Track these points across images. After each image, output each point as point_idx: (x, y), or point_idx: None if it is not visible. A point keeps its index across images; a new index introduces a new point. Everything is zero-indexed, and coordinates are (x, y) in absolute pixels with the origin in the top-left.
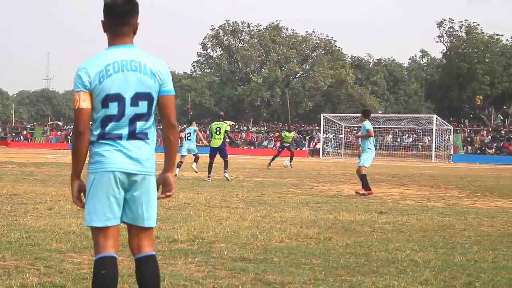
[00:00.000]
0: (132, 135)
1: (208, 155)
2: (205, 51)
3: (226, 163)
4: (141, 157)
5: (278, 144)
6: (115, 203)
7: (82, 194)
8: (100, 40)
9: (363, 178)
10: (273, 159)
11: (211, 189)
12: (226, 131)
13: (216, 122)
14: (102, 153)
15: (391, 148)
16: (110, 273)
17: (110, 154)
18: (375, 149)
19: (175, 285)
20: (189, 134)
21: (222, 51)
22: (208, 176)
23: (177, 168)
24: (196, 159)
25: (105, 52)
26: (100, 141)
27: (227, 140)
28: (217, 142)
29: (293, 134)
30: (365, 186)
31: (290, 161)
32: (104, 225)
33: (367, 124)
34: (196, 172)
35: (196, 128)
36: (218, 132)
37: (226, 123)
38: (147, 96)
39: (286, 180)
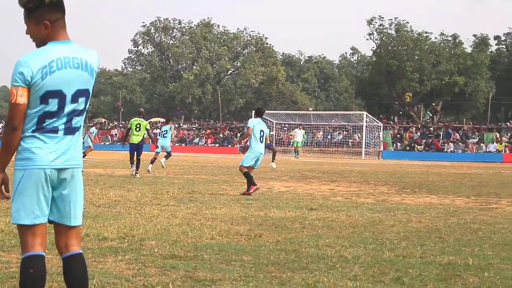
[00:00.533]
0: (68, 131)
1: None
2: (136, 48)
3: (138, 162)
4: (72, 153)
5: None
6: (44, 200)
7: (3, 187)
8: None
9: (245, 175)
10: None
11: (142, 187)
12: (146, 129)
13: (135, 119)
14: (33, 149)
15: (322, 145)
16: (38, 272)
17: (41, 151)
18: (301, 144)
19: (105, 283)
20: (165, 132)
21: (153, 48)
22: (134, 171)
23: (150, 164)
24: (167, 156)
25: (47, 47)
26: (33, 137)
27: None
28: (137, 138)
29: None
30: (248, 182)
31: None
32: (32, 223)
33: (249, 122)
34: (162, 166)
35: (172, 126)
36: (138, 129)
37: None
38: (86, 93)
39: (217, 177)
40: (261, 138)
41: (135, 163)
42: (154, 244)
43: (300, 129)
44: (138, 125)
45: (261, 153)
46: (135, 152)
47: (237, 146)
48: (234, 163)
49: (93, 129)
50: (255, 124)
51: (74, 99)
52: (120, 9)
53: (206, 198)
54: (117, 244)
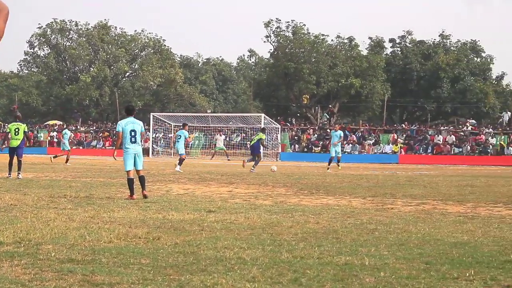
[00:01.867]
0: None
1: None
2: (32, 50)
3: (20, 163)
4: None
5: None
6: None
7: None
8: None
9: (128, 182)
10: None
11: (39, 190)
12: (24, 132)
13: (13, 123)
14: None
15: None
16: None
17: None
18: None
19: None
20: (179, 137)
21: (49, 50)
22: (9, 174)
23: (178, 166)
24: (180, 162)
25: None
26: None
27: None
28: (16, 142)
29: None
30: (130, 190)
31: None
32: None
33: (117, 126)
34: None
35: (187, 132)
36: (16, 133)
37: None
38: None
39: (115, 180)
40: (133, 138)
41: (16, 165)
42: (51, 248)
43: (220, 135)
44: (16, 129)
45: (136, 153)
46: (16, 155)
47: (115, 155)
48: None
49: None
50: (123, 125)
51: None
52: (16, 9)
53: (104, 201)
54: (13, 249)
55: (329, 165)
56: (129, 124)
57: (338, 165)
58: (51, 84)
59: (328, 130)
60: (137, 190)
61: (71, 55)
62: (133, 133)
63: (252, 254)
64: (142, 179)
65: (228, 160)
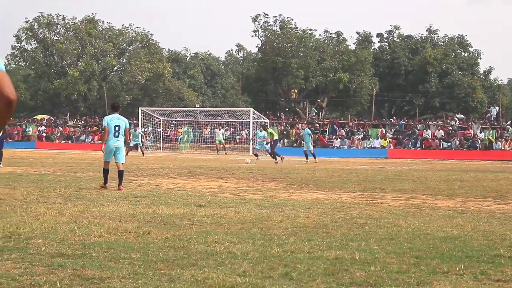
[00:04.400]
0: None
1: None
2: (19, 44)
3: (1, 154)
4: None
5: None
6: None
7: None
8: None
9: (103, 172)
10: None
11: (28, 184)
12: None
13: None
14: None
15: (209, 142)
16: None
17: None
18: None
19: None
20: (262, 137)
21: (37, 44)
22: None
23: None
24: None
25: None
26: None
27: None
28: None
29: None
30: (104, 179)
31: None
32: None
33: (103, 121)
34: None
35: (265, 132)
36: None
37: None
38: None
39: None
40: (116, 133)
41: None
42: (41, 243)
43: (219, 129)
44: None
45: (117, 147)
46: None
47: (103, 148)
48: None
49: None
50: (109, 121)
51: None
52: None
53: (93, 196)
54: (2, 243)
55: (307, 158)
56: (114, 119)
57: (314, 159)
58: (38, 78)
59: (317, 125)
60: (127, 183)
61: (59, 50)
62: (117, 128)
63: (242, 249)
64: (120, 174)
65: (226, 153)
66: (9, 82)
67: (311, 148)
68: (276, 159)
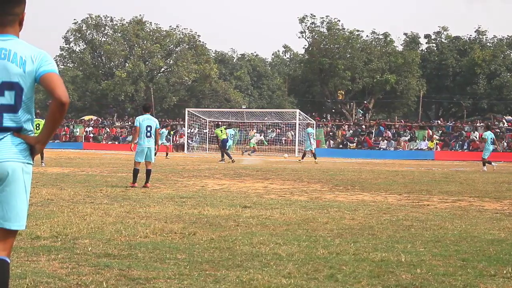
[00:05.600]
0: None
1: None
2: (68, 45)
3: (42, 153)
4: (10, 151)
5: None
6: None
7: None
8: None
9: (133, 171)
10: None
11: (75, 185)
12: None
13: (36, 119)
14: None
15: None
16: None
17: None
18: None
19: (38, 283)
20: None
21: (85, 45)
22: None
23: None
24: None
25: None
26: None
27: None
28: None
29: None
30: (133, 178)
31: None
32: None
33: (135, 121)
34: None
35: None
36: (37, 128)
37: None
38: (14, 86)
39: (151, 175)
40: (148, 133)
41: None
42: (88, 243)
43: (254, 133)
44: (37, 125)
45: (148, 147)
46: None
47: (132, 147)
48: (166, 161)
49: None
50: (141, 121)
51: None
52: (51, 5)
53: (139, 196)
54: (50, 243)
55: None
56: (146, 120)
57: (314, 159)
58: (86, 79)
59: (364, 127)
60: (173, 184)
61: (107, 51)
62: (148, 128)
63: (287, 250)
64: (148, 172)
65: (249, 155)
66: (61, 84)
67: (311, 148)
68: (223, 158)
